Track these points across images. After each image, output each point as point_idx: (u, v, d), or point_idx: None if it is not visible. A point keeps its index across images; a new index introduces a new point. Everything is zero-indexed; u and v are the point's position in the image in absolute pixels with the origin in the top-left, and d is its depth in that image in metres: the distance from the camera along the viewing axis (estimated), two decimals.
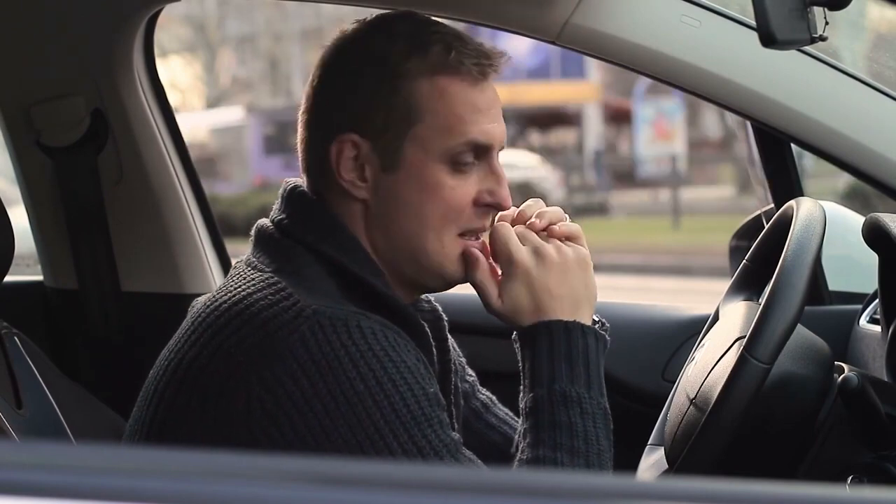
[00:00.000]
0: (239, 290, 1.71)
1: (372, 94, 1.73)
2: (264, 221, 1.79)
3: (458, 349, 1.99)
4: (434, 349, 1.77)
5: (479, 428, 1.98)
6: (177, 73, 30.16)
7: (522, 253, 1.75)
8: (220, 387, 1.65)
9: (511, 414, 2.02)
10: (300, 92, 1.84)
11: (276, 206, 1.79)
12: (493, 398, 2.04)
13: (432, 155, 1.72)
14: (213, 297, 1.74)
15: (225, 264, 2.80)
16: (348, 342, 1.61)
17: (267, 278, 1.70)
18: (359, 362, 1.61)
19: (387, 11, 1.82)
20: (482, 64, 1.73)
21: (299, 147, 1.81)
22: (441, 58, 1.72)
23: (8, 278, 2.07)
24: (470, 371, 2.03)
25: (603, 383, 1.75)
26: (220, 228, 2.86)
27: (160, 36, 4.85)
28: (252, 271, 1.73)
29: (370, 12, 1.82)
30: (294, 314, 1.63)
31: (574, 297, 1.75)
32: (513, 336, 1.79)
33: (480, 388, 2.04)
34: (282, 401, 1.60)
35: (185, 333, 1.73)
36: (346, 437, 1.60)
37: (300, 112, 1.81)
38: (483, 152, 1.75)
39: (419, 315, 1.77)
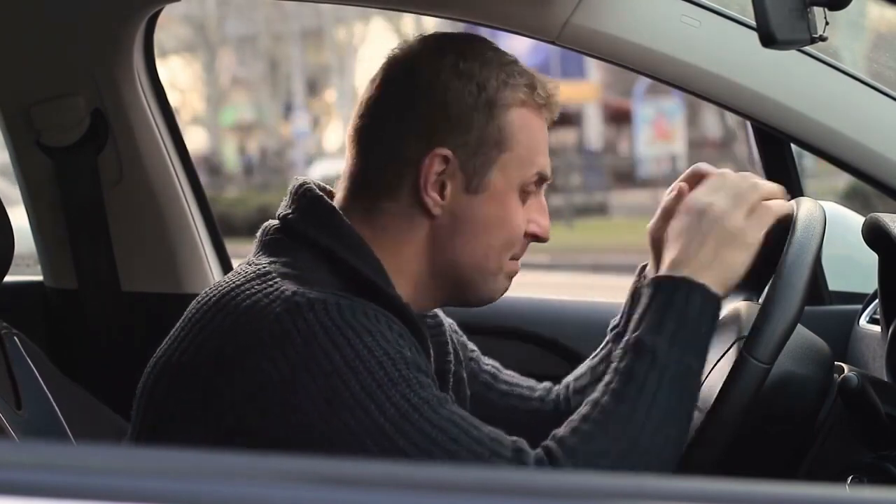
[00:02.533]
0: (228, 282, 1.73)
1: (468, 116, 1.76)
2: (270, 222, 1.80)
3: (458, 331, 2.02)
4: (431, 345, 1.79)
5: (493, 398, 2.02)
6: (177, 73, 30.16)
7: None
8: (206, 380, 1.66)
9: (516, 374, 2.08)
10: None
11: (283, 203, 1.80)
12: (497, 364, 2.07)
13: (512, 183, 1.78)
14: (204, 293, 1.76)
15: (225, 264, 2.80)
16: (325, 318, 1.62)
17: (257, 269, 1.71)
18: (334, 334, 1.61)
19: (462, 34, 1.84)
20: (551, 105, 1.83)
21: (357, 157, 1.80)
22: (529, 93, 1.79)
23: (8, 278, 2.07)
24: (472, 346, 2.05)
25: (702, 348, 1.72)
26: (220, 228, 2.85)
27: (160, 36, 4.85)
28: (247, 266, 1.75)
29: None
30: (272, 298, 1.64)
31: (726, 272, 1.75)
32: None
33: (484, 358, 2.07)
34: (264, 383, 1.61)
35: (175, 331, 1.76)
36: (325, 414, 1.60)
37: (359, 118, 1.80)
38: (541, 184, 1.82)
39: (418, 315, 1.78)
